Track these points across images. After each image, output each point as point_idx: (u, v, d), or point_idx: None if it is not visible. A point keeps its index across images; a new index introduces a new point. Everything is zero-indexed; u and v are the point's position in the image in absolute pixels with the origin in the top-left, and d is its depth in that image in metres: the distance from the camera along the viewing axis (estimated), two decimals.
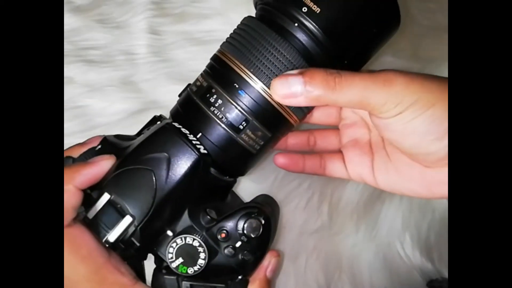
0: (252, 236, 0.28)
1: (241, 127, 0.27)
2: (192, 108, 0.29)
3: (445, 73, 0.48)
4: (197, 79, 0.30)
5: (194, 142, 0.27)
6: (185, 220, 0.28)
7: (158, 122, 0.31)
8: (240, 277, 0.29)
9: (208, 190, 0.29)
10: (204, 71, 0.30)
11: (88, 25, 0.51)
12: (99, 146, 0.30)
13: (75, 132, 0.46)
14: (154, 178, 0.26)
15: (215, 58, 0.29)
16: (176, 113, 0.30)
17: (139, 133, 0.33)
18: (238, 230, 0.28)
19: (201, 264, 0.27)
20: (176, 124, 0.28)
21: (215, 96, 0.27)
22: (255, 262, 0.29)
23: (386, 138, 0.28)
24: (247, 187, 0.43)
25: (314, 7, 0.25)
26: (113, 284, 0.26)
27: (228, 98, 0.27)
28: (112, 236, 0.26)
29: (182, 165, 0.26)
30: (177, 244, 0.27)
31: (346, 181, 0.44)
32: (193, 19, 0.52)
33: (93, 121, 0.47)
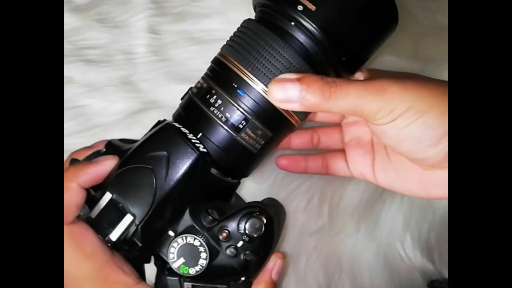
0: (254, 235, 0.28)
1: (240, 126, 0.27)
2: (193, 109, 0.29)
3: (445, 73, 0.48)
4: (198, 82, 0.30)
5: (193, 141, 0.27)
6: (186, 220, 0.28)
7: None
8: (243, 278, 0.28)
9: (210, 191, 0.29)
10: (205, 73, 0.31)
11: (87, 25, 0.51)
12: (104, 150, 0.30)
13: (75, 132, 0.46)
14: (154, 177, 0.26)
15: (215, 60, 0.30)
16: (178, 116, 0.31)
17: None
18: (240, 230, 0.28)
19: (203, 264, 0.27)
20: (176, 124, 0.29)
21: (215, 97, 0.28)
22: (258, 263, 0.29)
23: (385, 142, 0.29)
24: (248, 188, 0.43)
25: (310, 5, 0.26)
26: (116, 283, 0.27)
27: (228, 98, 0.27)
28: (114, 235, 0.26)
29: (181, 163, 0.26)
30: (178, 244, 0.27)
31: (346, 182, 0.44)
32: (192, 18, 0.51)
33: (92, 121, 0.47)
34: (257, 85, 0.27)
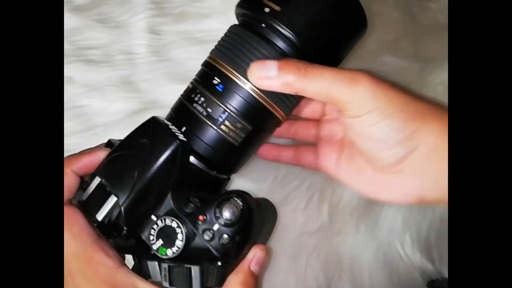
0: (230, 219, 0.29)
1: (220, 119, 0.29)
2: (179, 108, 0.32)
3: (445, 73, 0.48)
4: (187, 85, 0.33)
5: (174, 131, 0.29)
6: (168, 205, 0.29)
7: None
8: (219, 263, 0.29)
9: (195, 182, 0.31)
10: (194, 77, 0.33)
11: (87, 25, 0.51)
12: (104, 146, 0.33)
13: (75, 132, 0.46)
14: (135, 161, 0.28)
15: (204, 63, 0.32)
16: (169, 116, 0.33)
17: None
18: (216, 213, 0.29)
19: (179, 245, 0.28)
20: (160, 118, 0.31)
21: (198, 95, 0.30)
22: (235, 249, 0.29)
23: (349, 135, 0.30)
24: (247, 188, 0.43)
25: (275, 7, 0.28)
26: (99, 264, 0.28)
27: (209, 94, 0.30)
28: (100, 215, 0.28)
29: (161, 150, 0.28)
30: (158, 226, 0.29)
31: None
32: (192, 18, 0.51)
33: (92, 121, 0.47)
34: (239, 80, 0.29)
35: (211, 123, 0.30)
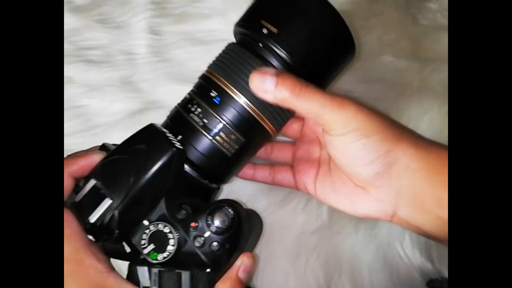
0: (221, 228, 0.29)
1: (215, 129, 0.31)
2: (176, 117, 0.33)
3: (445, 73, 0.48)
4: (185, 96, 0.34)
5: (171, 138, 0.30)
6: (160, 210, 0.30)
7: None
8: (208, 270, 0.29)
9: (187, 189, 0.32)
10: (192, 88, 0.34)
11: (88, 25, 0.51)
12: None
13: (75, 132, 0.46)
14: (132, 166, 0.29)
15: (202, 76, 0.33)
16: (165, 124, 0.34)
17: None
18: (208, 221, 0.29)
19: (170, 250, 0.29)
20: (157, 125, 0.31)
21: (195, 106, 0.31)
22: (224, 256, 0.30)
23: (329, 153, 0.32)
24: (247, 187, 0.43)
25: (273, 29, 0.30)
26: (89, 267, 0.28)
27: (206, 106, 0.31)
28: (93, 217, 0.28)
29: (157, 156, 0.29)
30: (150, 231, 0.29)
31: None
32: (193, 19, 0.52)
33: (92, 121, 0.47)
34: (235, 94, 0.30)
35: (207, 133, 0.31)
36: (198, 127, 0.31)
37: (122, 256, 0.31)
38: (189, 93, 0.33)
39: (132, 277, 0.30)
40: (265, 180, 0.39)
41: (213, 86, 0.31)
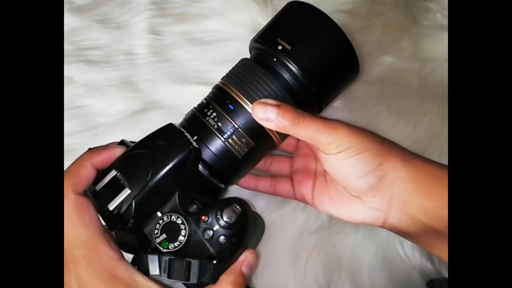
0: (228, 222, 0.31)
1: (228, 132, 0.33)
2: (192, 119, 0.35)
3: (445, 73, 0.48)
4: (201, 101, 0.37)
5: (188, 137, 0.32)
6: (173, 203, 0.32)
7: None
8: (214, 262, 0.31)
9: (198, 185, 0.34)
10: (207, 95, 0.37)
11: (88, 25, 0.51)
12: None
13: (75, 132, 0.46)
14: (151, 160, 0.31)
15: (217, 86, 0.36)
16: (181, 125, 0.37)
17: None
18: (217, 215, 0.32)
19: (181, 240, 0.31)
20: (176, 125, 0.34)
21: (211, 110, 0.34)
22: (230, 250, 0.32)
23: (326, 169, 0.34)
24: None
25: (286, 46, 0.33)
26: (104, 254, 0.30)
27: (221, 111, 0.34)
28: (112, 204, 0.30)
29: (175, 152, 0.31)
30: (163, 221, 0.31)
31: None
32: (193, 19, 0.52)
33: (93, 121, 0.47)
34: (248, 105, 0.33)
35: (220, 135, 0.33)
36: (213, 129, 0.33)
37: (131, 249, 0.33)
38: (205, 98, 0.36)
39: (141, 265, 0.31)
40: (267, 190, 0.41)
41: (227, 97, 0.34)
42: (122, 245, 0.32)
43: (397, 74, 0.49)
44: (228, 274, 0.32)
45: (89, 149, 0.33)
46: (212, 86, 0.37)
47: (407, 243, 0.43)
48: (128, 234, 0.32)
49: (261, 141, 0.35)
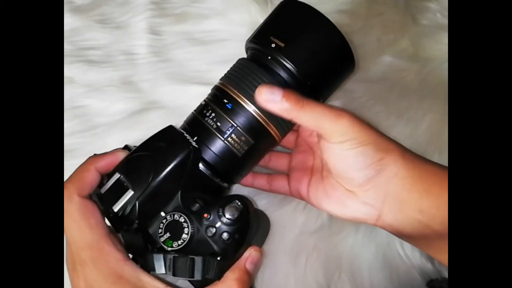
0: (231, 218, 0.32)
1: (227, 132, 0.34)
2: (192, 121, 0.36)
3: (445, 73, 0.48)
4: (200, 103, 0.37)
5: (187, 138, 0.33)
6: (176, 202, 0.33)
7: None
8: (218, 258, 0.32)
9: (201, 184, 0.34)
10: (206, 96, 0.37)
11: (88, 25, 0.51)
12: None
13: (75, 132, 0.46)
14: (153, 161, 0.31)
15: (215, 87, 0.37)
16: (182, 127, 0.37)
17: None
18: (219, 213, 0.32)
19: (185, 238, 0.32)
20: (176, 127, 0.34)
21: (210, 111, 0.35)
22: (233, 246, 0.32)
23: (326, 159, 0.34)
24: (249, 187, 0.43)
25: (279, 43, 0.33)
26: (109, 255, 0.31)
27: (220, 111, 0.34)
28: (116, 206, 0.31)
29: (175, 153, 0.32)
30: (166, 220, 0.32)
31: None
32: (193, 19, 0.52)
33: (93, 121, 0.47)
34: (246, 103, 0.34)
35: (220, 135, 0.34)
36: (212, 129, 0.34)
37: (138, 250, 0.33)
38: (204, 100, 0.37)
39: (146, 264, 0.32)
40: (263, 187, 0.42)
41: (225, 96, 0.35)
42: (129, 247, 0.33)
43: (397, 74, 0.49)
44: (232, 271, 0.32)
45: (94, 155, 0.34)
46: (212, 86, 0.37)
47: (407, 244, 0.43)
48: (134, 236, 0.32)
49: (260, 138, 0.35)
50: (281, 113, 0.32)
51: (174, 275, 0.31)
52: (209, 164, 0.34)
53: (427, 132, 0.47)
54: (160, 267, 0.31)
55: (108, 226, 0.32)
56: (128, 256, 0.32)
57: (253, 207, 0.35)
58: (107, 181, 0.32)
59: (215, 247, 0.32)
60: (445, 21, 0.52)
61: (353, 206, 0.34)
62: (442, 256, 0.31)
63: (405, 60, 0.50)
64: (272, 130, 0.35)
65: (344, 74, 0.37)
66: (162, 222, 0.32)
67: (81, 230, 0.31)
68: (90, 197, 0.33)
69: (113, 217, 0.31)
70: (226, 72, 0.37)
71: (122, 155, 0.33)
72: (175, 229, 0.32)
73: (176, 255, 0.31)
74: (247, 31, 0.50)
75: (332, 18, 0.34)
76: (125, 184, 0.31)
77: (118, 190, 0.31)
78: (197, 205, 0.33)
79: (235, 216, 0.32)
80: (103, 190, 0.32)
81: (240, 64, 0.36)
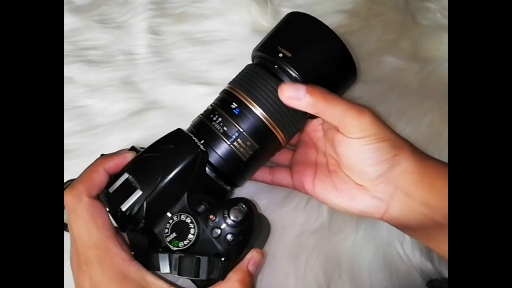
0: (235, 220, 0.33)
1: (233, 136, 0.35)
2: (199, 125, 0.37)
3: (445, 73, 0.48)
4: (207, 107, 0.38)
5: (196, 141, 0.34)
6: (182, 203, 0.33)
7: None
8: (223, 259, 0.32)
9: (205, 187, 0.35)
10: (213, 102, 0.38)
11: (88, 25, 0.51)
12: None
13: (76, 132, 0.46)
14: (161, 162, 0.32)
15: (224, 91, 0.38)
16: (189, 131, 0.38)
17: None
18: (224, 215, 0.33)
19: (191, 238, 0.32)
20: (184, 130, 0.35)
21: (217, 116, 0.36)
22: (237, 247, 0.33)
23: (340, 152, 0.35)
24: (249, 187, 0.43)
25: (287, 53, 0.35)
26: (115, 255, 0.31)
27: (226, 115, 0.35)
28: (124, 205, 0.31)
29: (185, 155, 0.32)
30: (173, 221, 0.33)
31: None
32: (193, 19, 0.52)
33: (93, 121, 0.47)
34: (254, 107, 0.35)
35: (226, 139, 0.35)
36: (218, 133, 0.35)
37: (142, 250, 0.33)
38: (211, 105, 0.38)
39: (150, 264, 0.32)
40: (264, 179, 0.42)
41: (233, 99, 0.35)
42: (134, 247, 0.33)
43: (397, 74, 0.49)
44: (235, 272, 0.33)
45: (102, 155, 0.34)
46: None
47: (407, 243, 0.43)
48: (139, 235, 0.33)
49: (265, 143, 0.36)
50: (306, 109, 0.33)
51: (179, 274, 0.31)
52: (214, 167, 0.35)
53: (427, 132, 0.47)
54: (165, 266, 0.31)
55: (115, 226, 0.32)
56: (133, 256, 0.32)
57: (257, 210, 0.35)
58: (115, 181, 0.33)
59: (220, 248, 0.33)
60: (445, 21, 0.52)
61: (362, 199, 0.34)
62: (443, 247, 0.32)
63: (405, 60, 0.50)
64: (278, 134, 0.36)
65: (346, 84, 0.38)
66: (169, 222, 0.32)
67: (89, 229, 0.31)
68: (98, 197, 0.33)
69: (120, 216, 0.32)
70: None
71: (130, 156, 0.34)
72: (181, 230, 0.32)
73: (182, 254, 0.31)
74: (247, 31, 0.50)
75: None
76: (133, 184, 0.32)
77: (126, 190, 0.32)
78: (203, 206, 0.34)
79: (240, 218, 0.33)
80: (111, 189, 0.33)
81: (248, 70, 0.37)
